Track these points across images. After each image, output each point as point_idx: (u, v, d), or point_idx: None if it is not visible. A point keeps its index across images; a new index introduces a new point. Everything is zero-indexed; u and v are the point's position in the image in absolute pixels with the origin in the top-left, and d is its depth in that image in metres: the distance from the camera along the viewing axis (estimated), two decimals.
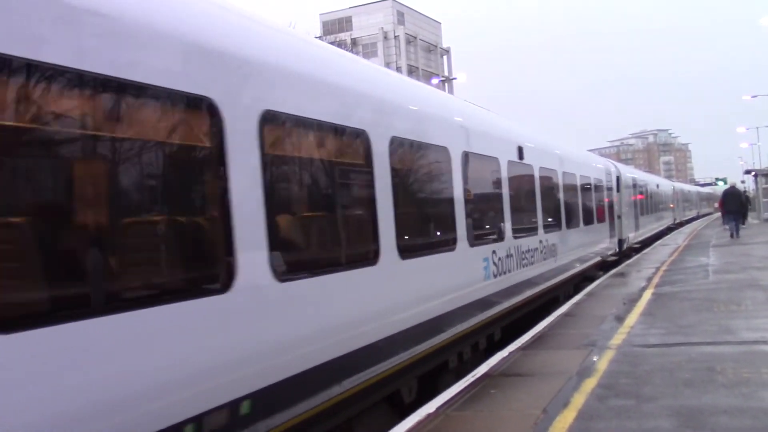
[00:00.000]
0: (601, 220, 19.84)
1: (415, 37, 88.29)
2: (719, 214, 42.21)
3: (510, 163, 11.41)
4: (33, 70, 3.60)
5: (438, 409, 6.88)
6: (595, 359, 8.46)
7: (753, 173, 47.17)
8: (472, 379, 7.99)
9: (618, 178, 23.99)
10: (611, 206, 21.84)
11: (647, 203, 33.08)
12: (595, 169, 20.30)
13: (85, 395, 3.68)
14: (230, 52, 5.08)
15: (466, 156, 9.39)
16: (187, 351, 4.40)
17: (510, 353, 9.38)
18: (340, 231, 6.79)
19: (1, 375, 3.25)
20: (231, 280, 4.74)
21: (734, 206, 29.75)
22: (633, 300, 13.47)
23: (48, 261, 3.77)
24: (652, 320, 11.00)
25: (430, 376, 8.51)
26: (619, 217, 23.39)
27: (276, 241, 5.24)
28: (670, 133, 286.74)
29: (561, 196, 15.07)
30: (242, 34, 5.52)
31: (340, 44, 58.41)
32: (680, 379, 7.22)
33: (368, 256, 6.77)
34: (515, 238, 11.32)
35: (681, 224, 53.30)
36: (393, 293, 7.19)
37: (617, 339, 9.63)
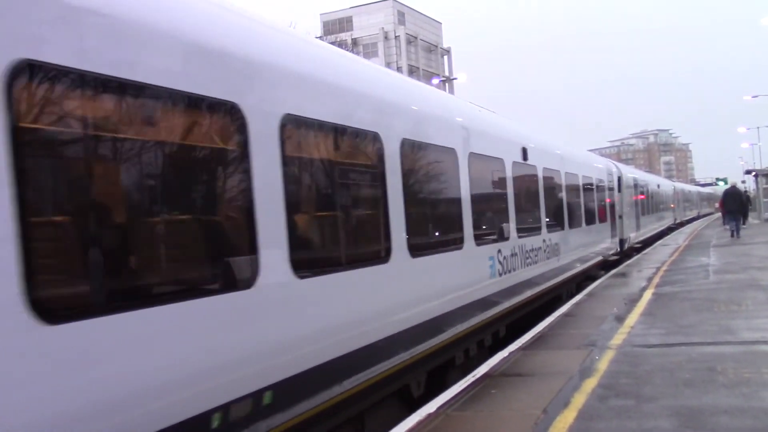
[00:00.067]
0: (602, 220, 20.00)
1: (416, 37, 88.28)
2: (720, 214, 42.25)
3: (514, 163, 11.62)
4: (122, 86, 4.10)
5: (438, 408, 6.89)
6: (595, 359, 8.46)
7: (753, 173, 47.13)
8: (473, 379, 7.99)
9: (619, 179, 24.10)
10: (612, 206, 21.99)
11: (648, 203, 33.14)
12: (597, 169, 20.44)
13: (132, 382, 3.98)
14: (254, 59, 5.36)
15: (473, 157, 9.60)
16: (215, 343, 4.63)
17: (510, 353, 9.38)
18: (354, 230, 7.02)
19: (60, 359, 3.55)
20: (254, 276, 4.99)
21: (735, 206, 29.76)
22: (633, 300, 13.47)
23: (102, 259, 4.03)
24: (653, 320, 11.00)
25: (438, 372, 8.71)
26: (621, 217, 23.47)
27: (295, 240, 5.48)
28: (671, 133, 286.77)
29: (564, 196, 15.27)
30: (264, 42, 5.79)
31: (340, 44, 58.41)
32: (680, 379, 7.22)
33: (380, 255, 6.98)
34: (519, 237, 11.52)
35: (682, 224, 53.32)
36: (404, 290, 7.38)
37: (617, 339, 9.62)
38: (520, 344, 9.98)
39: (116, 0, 4.23)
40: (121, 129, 4.28)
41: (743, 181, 63.36)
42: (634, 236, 26.83)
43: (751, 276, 15.52)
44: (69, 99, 3.89)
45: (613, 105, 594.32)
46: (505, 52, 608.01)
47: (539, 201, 13.27)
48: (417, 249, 7.63)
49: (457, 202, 9.12)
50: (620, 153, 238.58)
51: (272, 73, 5.55)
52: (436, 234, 8.89)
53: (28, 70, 3.55)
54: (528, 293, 12.14)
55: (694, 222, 60.54)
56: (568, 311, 12.97)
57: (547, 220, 13.64)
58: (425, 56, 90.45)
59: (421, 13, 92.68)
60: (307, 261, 5.73)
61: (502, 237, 10.81)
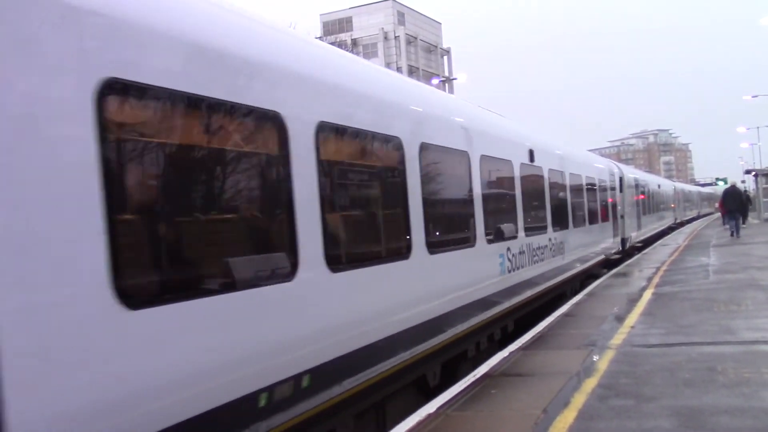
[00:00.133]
0: (604, 219, 20.27)
1: (416, 38, 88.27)
2: (719, 214, 42.25)
3: (522, 165, 12.03)
4: (190, 99, 4.63)
5: (438, 409, 6.89)
6: (595, 359, 8.47)
7: (753, 173, 47.13)
8: (473, 379, 8.00)
9: (621, 179, 24.28)
10: (614, 206, 22.23)
11: (649, 203, 33.31)
12: (599, 170, 20.71)
13: (196, 362, 4.44)
14: (294, 71, 5.87)
15: (484, 159, 10.03)
16: (263, 330, 5.12)
17: (510, 353, 9.39)
18: (379, 228, 7.49)
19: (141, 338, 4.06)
20: (295, 270, 5.47)
21: (735, 205, 29.79)
22: (633, 300, 13.48)
23: (174, 252, 4.66)
24: (653, 320, 11.00)
25: (452, 364, 9.12)
26: (622, 216, 23.66)
27: (328, 237, 5.94)
28: (671, 133, 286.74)
29: (568, 196, 15.61)
30: (302, 55, 6.36)
31: (340, 45, 58.44)
32: (680, 379, 7.22)
33: (402, 251, 7.44)
34: (527, 236, 11.93)
35: (682, 224, 53.35)
36: (422, 285, 7.82)
37: (617, 339, 9.63)
38: (520, 344, 9.98)
39: (190, 27, 4.78)
40: (189, 137, 4.85)
41: (743, 181, 63.36)
42: (635, 236, 27.02)
43: (751, 276, 15.52)
44: (146, 111, 4.41)
45: (613, 105, 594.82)
46: (504, 52, 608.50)
47: (545, 201, 13.62)
48: (434, 246, 8.04)
49: (470, 201, 9.55)
50: (620, 153, 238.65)
51: (309, 84, 6.04)
52: (451, 232, 9.31)
53: (114, 87, 4.01)
54: (535, 290, 12.54)
55: (695, 222, 60.56)
56: (568, 311, 12.98)
57: (553, 219, 13.97)
58: (425, 56, 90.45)
59: (421, 14, 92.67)
60: (339, 256, 6.20)
61: (511, 235, 11.19)
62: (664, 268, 19.51)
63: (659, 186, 41.18)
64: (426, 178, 8.01)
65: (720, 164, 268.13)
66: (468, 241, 9.38)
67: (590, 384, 7.30)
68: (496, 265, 10.36)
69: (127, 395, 3.94)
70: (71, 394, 3.59)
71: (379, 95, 7.60)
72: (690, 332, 9.76)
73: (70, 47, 3.81)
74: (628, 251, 24.87)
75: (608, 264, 21.41)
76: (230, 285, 4.86)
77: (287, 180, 5.48)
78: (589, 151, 26.86)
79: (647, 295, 14.05)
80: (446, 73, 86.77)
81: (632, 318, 11.30)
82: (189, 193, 4.89)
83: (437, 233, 8.43)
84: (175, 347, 4.31)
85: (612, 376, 7.57)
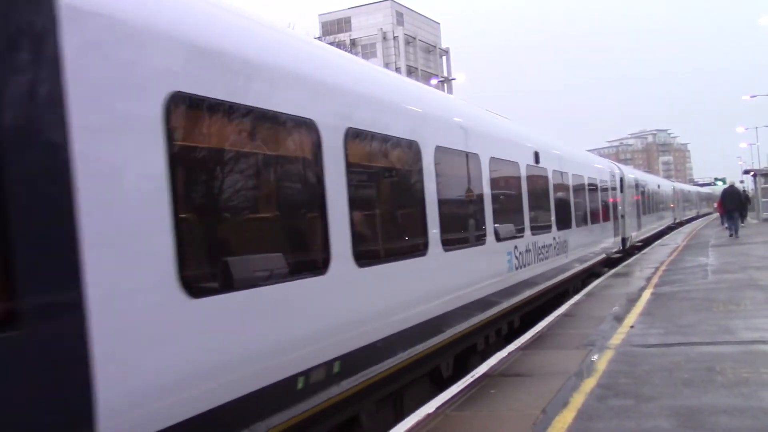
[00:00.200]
0: (606, 219, 20.60)
1: (414, 38, 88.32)
2: (718, 214, 42.27)
3: (528, 166, 12.46)
4: (244, 110, 5.13)
5: (437, 409, 6.89)
6: (594, 359, 8.47)
7: (752, 173, 47.13)
8: (471, 380, 8.00)
9: (621, 179, 24.53)
10: (615, 206, 22.52)
11: (649, 203, 33.54)
12: (601, 170, 21.04)
13: (245, 346, 4.90)
14: (326, 81, 6.37)
15: (493, 161, 10.47)
16: (304, 318, 5.60)
17: (509, 353, 9.39)
18: (399, 227, 8.03)
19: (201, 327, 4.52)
20: (327, 264, 5.93)
21: (734, 205, 29.83)
22: (632, 300, 13.48)
23: (230, 247, 5.14)
24: (652, 320, 11.00)
25: (463, 356, 9.54)
26: (623, 216, 23.91)
27: (355, 235, 6.37)
28: (669, 133, 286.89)
29: (571, 196, 16.06)
30: (332, 65, 6.89)
31: (339, 45, 58.44)
32: (679, 379, 7.23)
33: (420, 248, 7.86)
34: (533, 234, 12.36)
35: (681, 224, 53.42)
36: (437, 280, 8.25)
37: (616, 339, 9.63)
38: (519, 344, 9.99)
39: (242, 44, 5.28)
40: (240, 143, 5.32)
41: (741, 181, 63.41)
42: (635, 235, 27.26)
43: (750, 276, 15.53)
44: (206, 120, 4.91)
45: (612, 105, 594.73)
46: (504, 52, 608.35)
47: (549, 201, 14.02)
48: (448, 244, 8.43)
49: (480, 201, 9.98)
50: (619, 153, 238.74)
51: (338, 93, 6.53)
52: (464, 230, 9.65)
53: (179, 99, 4.47)
54: (540, 287, 12.99)
55: (694, 222, 60.60)
56: (567, 311, 12.99)
57: (556, 219, 14.34)
58: (424, 57, 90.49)
59: (420, 14, 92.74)
60: (365, 253, 6.59)
61: (518, 234, 11.59)
62: (663, 268, 19.53)
63: (659, 186, 41.31)
64: (441, 180, 8.41)
65: (719, 164, 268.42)
66: (479, 239, 9.80)
67: (589, 384, 7.30)
68: (505, 263, 10.78)
69: (189, 374, 4.37)
70: (145, 372, 4.05)
71: (399, 102, 8.09)
72: (689, 332, 9.76)
73: (145, 66, 4.26)
74: (628, 250, 25.08)
75: (609, 263, 21.67)
76: (274, 277, 5.32)
77: (321, 182, 5.96)
78: (588, 151, 27.07)
79: (646, 295, 14.06)
80: (445, 74, 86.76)
81: (631, 318, 11.31)
82: (239, 194, 5.33)
83: (451, 232, 8.79)
84: (229, 332, 4.75)
85: (611, 376, 7.57)
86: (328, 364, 5.81)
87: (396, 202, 7.98)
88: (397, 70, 73.04)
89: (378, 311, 6.77)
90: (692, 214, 69.53)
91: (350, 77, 7.10)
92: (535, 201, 12.76)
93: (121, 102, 4.07)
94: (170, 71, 4.45)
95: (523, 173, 12.13)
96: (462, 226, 9.63)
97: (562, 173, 15.24)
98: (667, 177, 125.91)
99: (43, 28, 3.60)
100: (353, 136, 6.55)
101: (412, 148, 7.88)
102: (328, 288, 5.93)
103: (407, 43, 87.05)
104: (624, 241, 23.98)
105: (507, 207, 11.44)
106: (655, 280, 16.66)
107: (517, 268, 11.28)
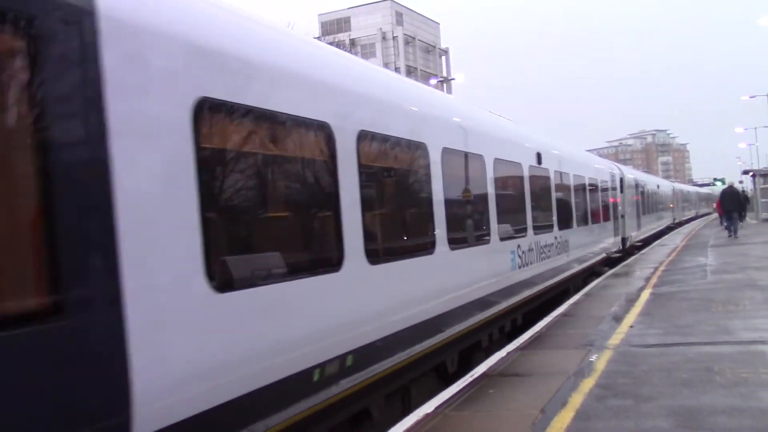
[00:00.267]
0: (606, 219, 20.81)
1: (414, 38, 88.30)
2: (717, 214, 42.27)
3: (531, 167, 12.75)
4: (264, 114, 5.41)
5: (436, 409, 6.89)
6: (593, 359, 8.46)
7: (751, 173, 47.14)
8: (470, 379, 8.00)
9: (621, 180, 24.70)
10: (615, 206, 22.70)
11: (648, 203, 33.69)
12: (601, 171, 21.23)
13: (267, 338, 5.17)
14: (340, 85, 6.64)
15: (497, 162, 10.74)
16: (319, 312, 5.84)
17: (508, 353, 9.39)
18: (408, 226, 8.28)
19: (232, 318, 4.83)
20: (341, 261, 6.16)
21: (732, 206, 29.85)
22: (631, 300, 13.48)
23: (253, 245, 5.46)
24: (650, 320, 11.00)
25: (467, 353, 9.81)
26: (623, 216, 24.08)
27: (367, 233, 6.60)
28: (669, 134, 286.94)
29: (572, 196, 16.32)
30: (345, 70, 7.17)
31: (338, 45, 58.41)
32: (678, 379, 7.22)
33: (427, 247, 8.11)
34: (535, 234, 12.61)
35: (680, 224, 53.45)
36: (443, 278, 8.46)
37: (615, 339, 9.63)
38: (518, 344, 9.98)
39: (263, 52, 5.56)
40: (260, 145, 5.56)
41: (740, 182, 63.42)
42: (635, 235, 27.44)
43: (749, 276, 15.53)
44: (230, 123, 5.15)
45: (611, 105, 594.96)
46: (503, 51, 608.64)
47: (551, 201, 14.25)
48: (454, 242, 8.66)
49: (485, 201, 10.22)
50: (618, 153, 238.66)
51: (351, 97, 6.80)
52: (469, 230, 9.82)
53: (205, 104, 4.72)
54: (542, 285, 13.22)
55: (693, 222, 60.61)
56: (566, 311, 12.99)
57: (558, 218, 14.55)
58: (423, 57, 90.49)
59: (419, 14, 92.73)
60: (375, 251, 6.82)
61: (521, 233, 11.83)
62: (662, 268, 19.53)
63: (658, 186, 41.40)
64: (447, 180, 8.64)
65: (718, 164, 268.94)
66: (484, 239, 10.04)
67: (588, 384, 7.30)
68: (508, 261, 11.01)
69: (215, 364, 4.64)
70: (175, 361, 4.30)
71: (408, 105, 8.36)
72: (688, 332, 9.76)
73: (175, 74, 4.55)
74: (628, 250, 25.24)
75: (609, 262, 21.82)
76: (293, 273, 5.58)
77: (335, 183, 6.21)
78: (588, 151, 27.24)
79: (645, 295, 14.06)
80: (444, 74, 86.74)
81: (630, 318, 11.31)
82: (259, 193, 5.64)
83: (456, 231, 9.01)
84: (251, 325, 5.03)
85: (610, 376, 7.57)
86: (342, 358, 6.06)
87: (404, 202, 8.21)
88: (397, 70, 73.03)
89: (388, 308, 6.99)
90: (691, 214, 69.55)
91: (362, 81, 7.39)
92: (537, 201, 12.97)
93: (154, 107, 4.32)
94: (197, 78, 4.72)
95: (526, 174, 12.35)
96: (467, 225, 9.81)
97: (563, 174, 15.44)
98: (666, 177, 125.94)
99: (86, 42, 3.87)
100: (365, 138, 6.79)
101: (420, 150, 8.11)
102: (342, 284, 6.19)
103: (406, 43, 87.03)
104: (624, 240, 24.15)
105: (510, 207, 11.59)
106: (654, 280, 16.66)
107: (519, 267, 11.50)
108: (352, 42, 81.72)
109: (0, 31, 3.53)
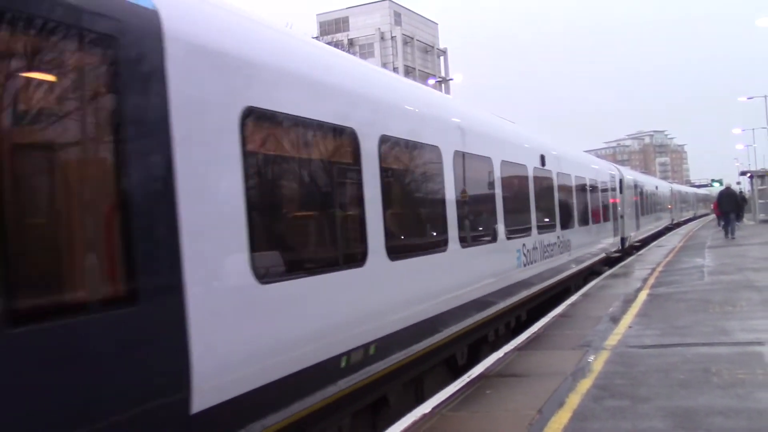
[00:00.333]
0: (606, 219, 21.16)
1: (412, 38, 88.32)
2: (715, 215, 42.31)
3: (535, 169, 13.19)
4: (303, 121, 5.93)
5: (433, 409, 6.89)
6: (590, 360, 8.47)
7: (749, 174, 47.20)
8: (468, 380, 8.00)
9: (620, 181, 24.95)
10: (615, 207, 22.99)
11: (647, 204, 33.96)
12: (601, 172, 21.57)
13: (303, 326, 5.61)
14: (363, 93, 7.20)
15: (504, 164, 11.21)
16: (348, 303, 6.31)
17: (505, 354, 9.39)
18: (424, 225, 8.75)
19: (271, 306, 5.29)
20: (365, 257, 6.60)
21: (730, 207, 29.91)
22: (628, 301, 13.49)
23: (291, 239, 5.99)
24: (648, 321, 11.01)
25: (475, 346, 10.23)
26: (622, 217, 24.34)
27: (387, 231, 7.03)
28: (666, 135, 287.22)
29: (573, 197, 16.63)
30: (371, 80, 7.81)
31: (336, 44, 58.36)
32: (675, 380, 7.23)
33: (441, 245, 8.53)
34: (539, 233, 13.06)
35: (678, 225, 53.51)
36: (455, 274, 8.89)
37: (612, 340, 9.63)
38: (515, 344, 9.99)
39: (299, 65, 6.07)
40: (299, 149, 6.08)
41: (738, 183, 63.53)
42: (634, 235, 27.69)
43: (746, 277, 15.54)
44: (272, 130, 5.68)
45: (609, 106, 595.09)
46: (503, 51, 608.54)
47: (554, 201, 14.70)
48: (464, 241, 9.12)
49: (493, 201, 10.71)
50: (616, 154, 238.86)
51: (373, 104, 7.31)
52: (479, 228, 10.30)
53: (250, 113, 5.19)
54: (545, 283, 13.67)
55: (690, 222, 60.67)
56: (563, 312, 12.99)
57: (560, 218, 14.96)
58: (421, 57, 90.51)
59: (418, 14, 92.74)
60: (395, 248, 7.21)
61: (526, 233, 12.25)
62: (659, 269, 19.54)
63: (656, 187, 41.55)
64: (458, 181, 9.10)
65: (715, 166, 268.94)
66: (492, 237, 10.52)
67: (585, 384, 7.30)
68: (514, 259, 11.47)
69: (259, 349, 5.06)
70: (227, 344, 4.74)
71: (423, 111, 8.89)
72: (685, 333, 9.77)
73: (226, 86, 5.03)
74: (627, 250, 25.48)
75: (609, 261, 22.05)
76: (324, 267, 6.07)
77: (360, 184, 6.67)
78: (585, 152, 27.32)
79: (642, 295, 14.07)
80: (442, 74, 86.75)
81: (627, 319, 11.31)
82: (296, 193, 6.14)
83: (467, 230, 9.44)
84: (288, 314, 5.46)
85: (607, 377, 7.57)
86: (366, 347, 6.50)
87: (419, 202, 8.68)
88: (395, 70, 73.01)
89: (405, 301, 7.43)
90: (689, 215, 69.66)
91: (384, 90, 7.97)
92: (541, 201, 13.36)
93: (209, 117, 4.80)
94: (244, 89, 5.22)
95: (530, 175, 12.78)
96: (477, 224, 10.21)
97: (565, 175, 15.81)
98: (664, 178, 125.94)
99: (155, 60, 4.35)
100: (385, 142, 7.25)
101: (434, 153, 8.56)
102: (366, 278, 6.62)
103: (405, 43, 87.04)
104: (623, 240, 24.41)
105: (516, 207, 12.01)
106: (651, 281, 16.67)
107: (525, 265, 11.94)
108: (351, 42, 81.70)
109: (89, 51, 4.00)
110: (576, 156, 19.02)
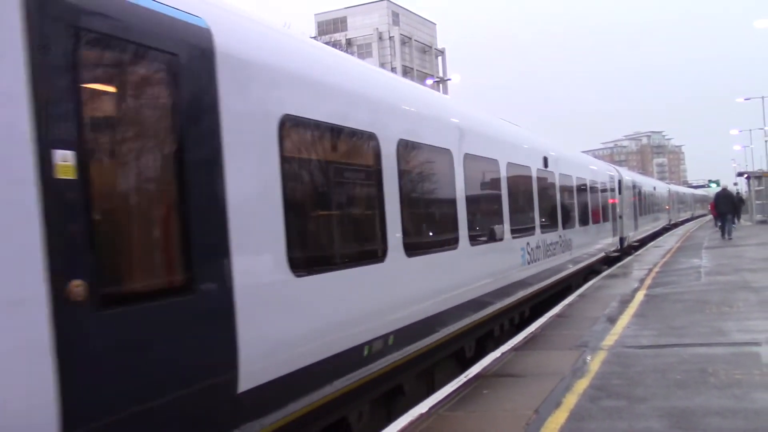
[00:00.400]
0: (605, 219, 21.49)
1: (410, 38, 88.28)
2: (712, 216, 42.38)
3: (538, 170, 13.58)
4: (335, 128, 6.47)
5: (430, 409, 6.88)
6: (587, 360, 8.47)
7: (746, 175, 47.25)
8: (465, 380, 8.00)
9: (619, 182, 25.15)
10: (614, 207, 23.29)
11: (645, 205, 34.19)
12: (600, 173, 21.88)
13: (331, 317, 6.09)
14: (385, 101, 7.70)
15: (510, 165, 11.61)
16: (370, 296, 6.78)
17: (503, 354, 9.39)
18: (438, 224, 9.17)
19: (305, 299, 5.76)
20: (385, 253, 7.07)
21: (727, 207, 29.97)
22: (625, 301, 13.50)
23: (322, 236, 6.44)
24: (645, 321, 11.02)
25: (481, 341, 10.64)
26: (621, 217, 24.62)
27: (405, 230, 7.48)
28: (664, 135, 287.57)
29: (574, 197, 16.98)
30: (389, 87, 8.33)
31: (334, 45, 58.34)
32: (672, 381, 7.23)
33: (452, 243, 8.97)
34: (542, 232, 13.50)
35: (676, 225, 53.63)
36: (466, 271, 9.31)
37: (609, 340, 9.64)
38: (512, 345, 9.99)
39: (328, 75, 6.54)
40: (330, 153, 6.54)
41: (735, 184, 63.60)
42: (632, 235, 27.98)
43: (743, 278, 15.57)
44: (307, 136, 6.09)
45: (607, 106, 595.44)
46: (501, 51, 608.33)
47: (556, 202, 15.09)
48: (473, 240, 9.52)
49: (499, 201, 11.10)
50: (613, 155, 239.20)
51: (393, 110, 7.80)
52: (486, 228, 10.62)
53: (287, 120, 5.62)
54: (548, 281, 14.11)
55: (688, 223, 60.74)
56: (560, 312, 13.00)
57: (562, 218, 15.36)
58: (419, 57, 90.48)
59: (416, 14, 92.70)
60: (411, 245, 7.63)
61: (530, 232, 12.66)
62: (656, 269, 19.57)
63: (654, 188, 41.77)
64: (468, 183, 9.50)
65: (713, 166, 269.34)
66: (499, 236, 10.90)
67: (582, 385, 7.30)
68: (519, 257, 11.90)
69: (294, 336, 5.53)
70: (267, 331, 5.18)
71: (436, 115, 9.32)
72: (682, 334, 9.78)
73: (268, 96, 5.47)
74: (625, 249, 25.74)
75: (608, 260, 22.29)
76: (351, 262, 6.52)
77: (381, 185, 7.10)
78: (583, 152, 27.46)
79: (639, 296, 14.08)
80: (440, 74, 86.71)
81: (624, 319, 11.32)
82: (326, 195, 6.51)
83: (476, 229, 9.84)
84: (320, 304, 5.92)
85: (604, 377, 7.58)
86: (385, 337, 6.92)
87: (432, 202, 9.08)
88: (393, 70, 73.01)
89: (421, 295, 7.87)
90: (687, 215, 69.78)
91: (401, 96, 8.42)
92: (543, 202, 13.79)
93: (253, 124, 5.22)
94: (282, 99, 5.64)
95: (534, 176, 13.18)
96: (485, 223, 10.59)
97: (566, 176, 16.17)
98: (662, 179, 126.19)
99: (208, 74, 4.77)
100: (403, 146, 7.65)
101: (445, 156, 8.98)
102: (386, 273, 7.08)
103: (403, 43, 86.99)
104: (622, 240, 24.70)
105: (521, 207, 12.47)
106: (648, 281, 16.69)
107: (529, 263, 12.41)
108: (349, 42, 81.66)
109: (153, 67, 4.44)
110: (576, 157, 19.38)
